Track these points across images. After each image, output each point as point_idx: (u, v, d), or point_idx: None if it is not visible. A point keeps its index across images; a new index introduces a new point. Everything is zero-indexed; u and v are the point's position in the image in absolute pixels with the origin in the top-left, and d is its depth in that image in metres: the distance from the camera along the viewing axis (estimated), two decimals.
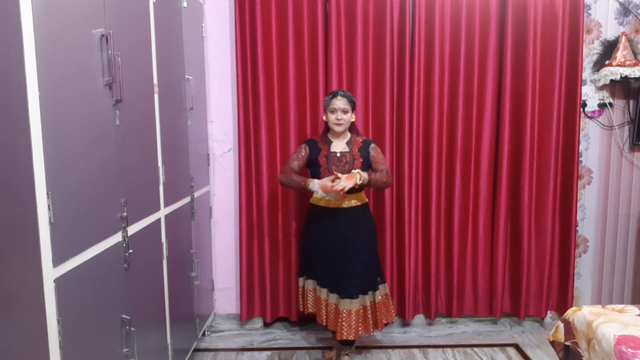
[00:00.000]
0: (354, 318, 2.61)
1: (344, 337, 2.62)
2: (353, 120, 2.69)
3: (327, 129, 2.74)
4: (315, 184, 2.57)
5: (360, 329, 2.66)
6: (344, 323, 2.61)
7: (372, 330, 2.71)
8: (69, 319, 1.45)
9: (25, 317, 1.28)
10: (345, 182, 2.46)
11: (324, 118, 2.69)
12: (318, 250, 2.69)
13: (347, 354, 2.81)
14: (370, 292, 2.70)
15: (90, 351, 1.61)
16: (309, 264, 2.78)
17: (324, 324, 2.73)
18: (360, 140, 2.71)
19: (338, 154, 2.65)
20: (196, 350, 2.96)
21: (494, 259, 3.23)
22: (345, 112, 2.60)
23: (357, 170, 2.54)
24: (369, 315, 2.70)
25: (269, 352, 2.98)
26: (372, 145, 2.72)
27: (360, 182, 2.52)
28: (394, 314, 2.83)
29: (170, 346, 2.37)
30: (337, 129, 2.63)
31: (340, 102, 2.59)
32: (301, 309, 2.87)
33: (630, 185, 3.36)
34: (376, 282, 2.73)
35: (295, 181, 2.64)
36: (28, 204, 1.29)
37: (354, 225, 2.65)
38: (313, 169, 2.71)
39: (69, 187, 1.47)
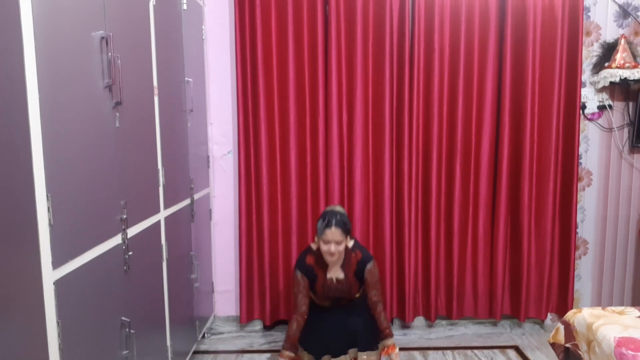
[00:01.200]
0: None
1: None
2: (350, 245, 2.47)
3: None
4: None
5: None
6: None
7: None
8: (69, 321, 1.44)
9: (24, 319, 1.28)
10: None
11: (313, 245, 2.47)
12: (315, 315, 2.50)
13: None
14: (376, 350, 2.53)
15: (90, 353, 1.60)
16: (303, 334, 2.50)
17: None
18: (356, 261, 2.47)
19: (335, 281, 2.46)
20: (196, 352, 2.95)
21: (493, 260, 3.23)
22: (339, 243, 2.36)
23: (391, 342, 2.46)
24: None
25: (268, 355, 2.98)
26: (368, 267, 2.48)
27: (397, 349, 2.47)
28: None
29: (170, 348, 2.36)
30: (330, 259, 2.40)
31: (333, 234, 2.33)
32: None
33: (630, 187, 3.36)
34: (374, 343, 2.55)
35: (286, 339, 2.45)
36: (28, 205, 1.29)
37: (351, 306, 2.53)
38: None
39: (68, 189, 1.47)
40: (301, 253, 2.57)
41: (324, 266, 2.45)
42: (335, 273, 2.46)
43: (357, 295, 2.53)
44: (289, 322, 2.51)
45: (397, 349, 2.47)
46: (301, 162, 3.12)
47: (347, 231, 2.40)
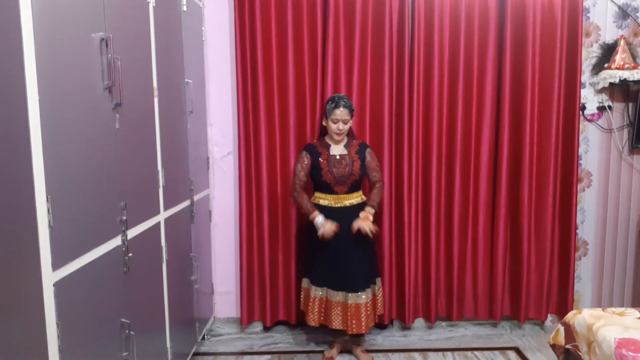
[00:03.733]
0: (363, 311, 2.72)
1: (355, 332, 2.72)
2: (350, 125, 2.79)
3: (324, 132, 2.81)
4: (320, 222, 2.66)
5: (369, 321, 2.77)
6: (353, 318, 2.71)
7: (361, 328, 2.75)
8: (69, 323, 1.44)
9: (24, 320, 1.28)
10: (367, 226, 2.65)
11: (324, 123, 2.77)
12: (322, 247, 2.72)
13: (359, 345, 2.93)
14: (372, 285, 2.82)
15: (90, 355, 1.60)
16: (312, 263, 2.82)
17: (328, 323, 2.78)
18: (357, 143, 2.83)
19: (337, 157, 2.75)
20: (196, 354, 2.95)
21: (493, 261, 3.23)
22: (345, 122, 2.70)
23: (368, 209, 2.73)
24: (372, 308, 2.80)
25: (269, 356, 2.98)
26: (368, 149, 2.85)
27: (372, 217, 2.71)
28: (381, 308, 2.93)
29: (169, 350, 2.36)
30: (338, 138, 2.75)
31: (342, 113, 2.67)
32: (301, 308, 2.93)
33: (630, 187, 3.36)
34: (376, 275, 2.87)
35: (303, 206, 2.74)
36: (28, 207, 1.29)
37: (352, 222, 2.71)
38: (314, 172, 2.76)
39: (68, 191, 1.47)
40: (305, 145, 2.88)
41: (327, 146, 2.78)
42: (338, 150, 2.77)
43: (358, 176, 2.76)
44: (295, 199, 2.78)
45: (369, 219, 2.69)
46: None
47: (352, 112, 2.73)
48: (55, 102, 1.40)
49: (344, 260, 2.72)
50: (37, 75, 1.30)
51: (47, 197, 1.34)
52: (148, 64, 2.13)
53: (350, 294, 2.72)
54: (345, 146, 2.79)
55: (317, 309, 2.79)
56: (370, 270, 2.82)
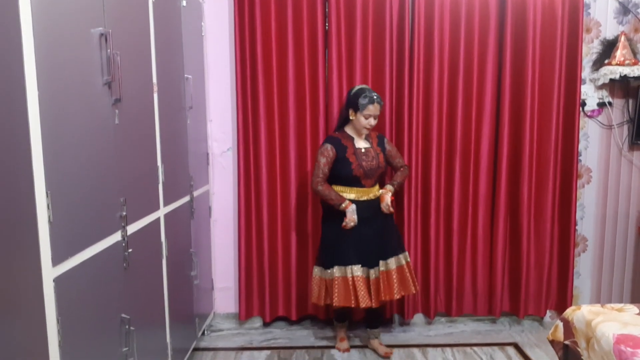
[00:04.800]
0: (394, 276, 2.76)
1: (387, 298, 2.76)
2: None
3: (342, 123, 2.80)
4: (352, 210, 2.70)
5: (401, 289, 2.81)
6: (385, 285, 2.74)
7: (411, 289, 2.85)
8: (69, 318, 1.45)
9: (24, 316, 1.28)
10: (388, 203, 2.78)
11: (351, 117, 2.73)
12: (348, 236, 2.72)
13: (376, 337, 2.97)
14: (401, 254, 2.86)
15: (90, 350, 1.61)
16: (337, 252, 2.74)
17: (355, 304, 2.71)
18: (375, 135, 2.87)
19: (363, 150, 2.76)
20: (196, 349, 2.96)
21: (493, 257, 3.23)
22: (376, 118, 2.72)
23: (387, 187, 2.84)
24: (404, 276, 2.84)
25: (268, 352, 2.98)
26: (386, 139, 2.92)
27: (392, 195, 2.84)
28: (411, 286, 2.89)
29: (169, 345, 2.36)
30: (365, 132, 2.77)
31: (375, 109, 2.68)
32: (314, 300, 2.85)
33: (630, 184, 3.36)
34: (402, 246, 2.93)
35: (333, 196, 2.71)
36: (27, 203, 1.29)
37: (378, 210, 2.81)
38: (340, 166, 2.73)
39: (68, 186, 1.47)
40: (327, 138, 2.85)
41: (351, 139, 2.76)
42: (361, 144, 2.78)
43: (384, 168, 2.88)
44: (321, 191, 2.72)
45: (388, 195, 2.81)
46: (301, 159, 3.12)
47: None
48: (54, 97, 1.39)
49: (373, 239, 2.75)
50: (36, 71, 1.29)
51: (46, 193, 1.34)
52: (147, 60, 2.13)
53: (382, 261, 2.75)
54: (366, 138, 2.81)
55: (344, 289, 2.70)
56: (398, 241, 2.89)
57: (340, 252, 2.74)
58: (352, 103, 2.71)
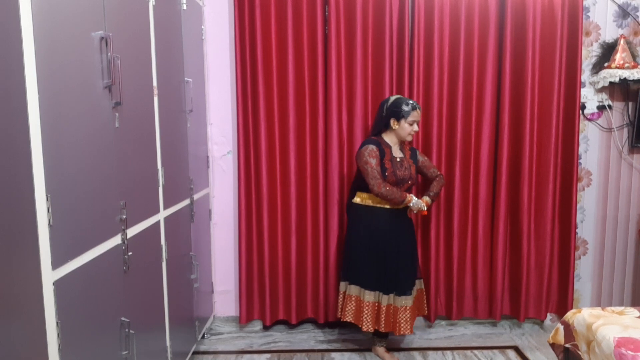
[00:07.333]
0: (409, 313, 2.77)
1: (402, 333, 2.76)
2: None
3: (379, 130, 2.79)
4: (416, 200, 2.73)
5: (413, 321, 2.82)
6: (401, 320, 2.76)
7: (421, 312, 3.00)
8: (68, 322, 1.44)
9: (24, 319, 1.28)
10: (416, 209, 2.76)
11: (394, 126, 2.71)
12: (368, 251, 2.75)
13: (383, 346, 2.94)
14: (415, 285, 2.88)
15: (90, 354, 1.60)
16: (355, 267, 2.80)
17: (368, 329, 2.79)
18: (408, 147, 2.88)
19: (398, 159, 2.76)
20: (195, 353, 2.95)
21: (493, 261, 3.23)
22: (418, 124, 2.76)
23: (425, 198, 2.83)
24: (415, 308, 2.88)
25: (268, 355, 2.98)
26: (418, 152, 2.93)
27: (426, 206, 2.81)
28: (425, 308, 3.03)
29: (169, 349, 2.36)
30: (410, 138, 2.77)
31: (419, 115, 2.72)
32: (339, 316, 2.91)
33: (630, 187, 3.36)
34: (417, 275, 2.94)
35: (397, 194, 2.68)
36: (27, 206, 1.29)
37: (400, 222, 2.79)
38: None
39: (68, 190, 1.47)
40: (363, 143, 2.76)
41: (389, 146, 2.76)
42: (398, 153, 2.79)
43: (414, 181, 2.86)
44: (386, 192, 2.65)
45: (424, 208, 2.78)
46: (301, 162, 3.12)
47: None
48: (54, 101, 1.40)
49: (392, 263, 2.73)
50: (36, 74, 1.30)
51: (46, 196, 1.34)
52: (148, 63, 2.13)
53: (399, 297, 2.75)
54: (401, 149, 2.81)
55: (370, 314, 2.77)
56: (414, 270, 2.87)
57: (358, 271, 2.79)
58: (394, 112, 2.70)
